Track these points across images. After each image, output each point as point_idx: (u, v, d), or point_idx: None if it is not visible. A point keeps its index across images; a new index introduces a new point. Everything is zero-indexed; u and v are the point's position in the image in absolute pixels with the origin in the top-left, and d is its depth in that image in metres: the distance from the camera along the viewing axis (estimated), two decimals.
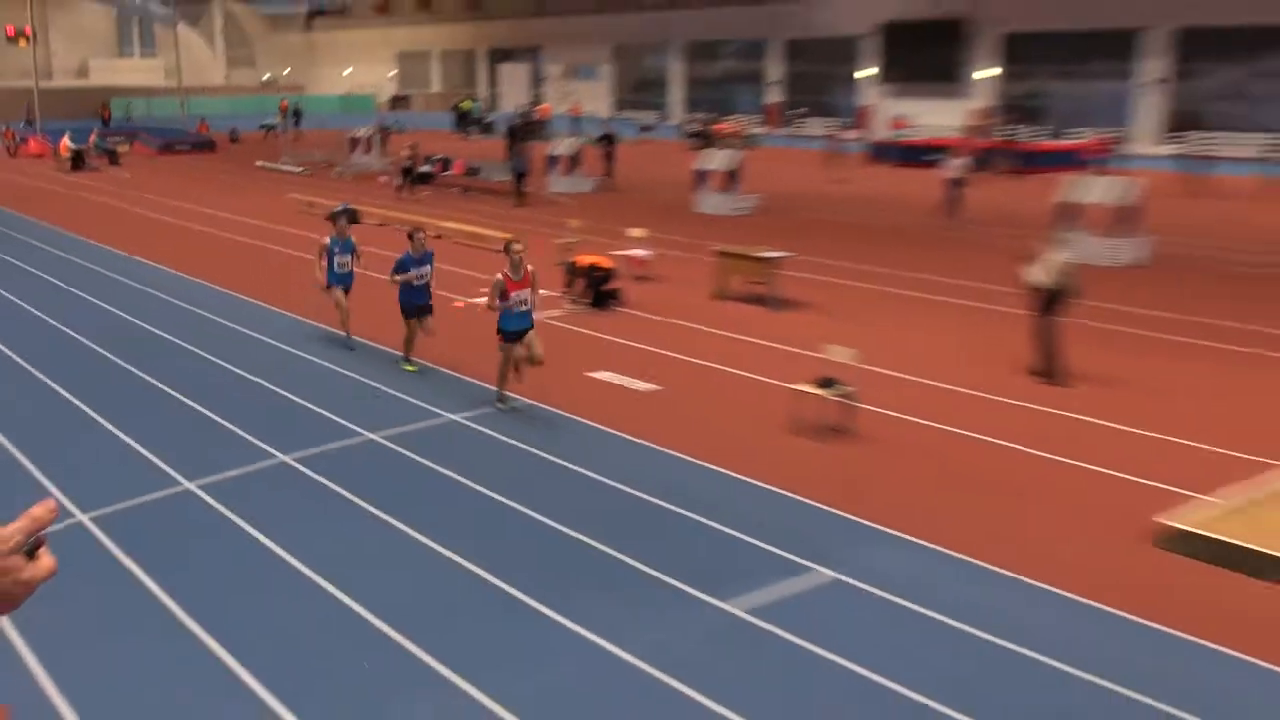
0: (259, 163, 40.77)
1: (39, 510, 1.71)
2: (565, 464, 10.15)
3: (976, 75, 48.61)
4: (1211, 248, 21.92)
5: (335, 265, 14.10)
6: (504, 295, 11.22)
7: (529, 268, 11.47)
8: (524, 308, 11.41)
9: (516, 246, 11.49)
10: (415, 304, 13.05)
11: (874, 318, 15.90)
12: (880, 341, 13.81)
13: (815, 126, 52.50)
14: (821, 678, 6.62)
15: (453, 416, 11.52)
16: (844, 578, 7.82)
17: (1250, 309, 16.40)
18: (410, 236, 13.20)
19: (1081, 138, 40.66)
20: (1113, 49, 44.92)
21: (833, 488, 9.36)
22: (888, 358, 13.14)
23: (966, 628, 7.15)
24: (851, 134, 44.77)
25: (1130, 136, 42.66)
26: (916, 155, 38.70)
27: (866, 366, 11.64)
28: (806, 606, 7.46)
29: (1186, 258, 20.77)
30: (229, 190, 33.00)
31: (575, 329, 15.41)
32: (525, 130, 41.54)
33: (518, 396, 11.87)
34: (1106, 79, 45.62)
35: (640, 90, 65.16)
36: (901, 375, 12.78)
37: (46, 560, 1.71)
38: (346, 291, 14.27)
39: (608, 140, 34.28)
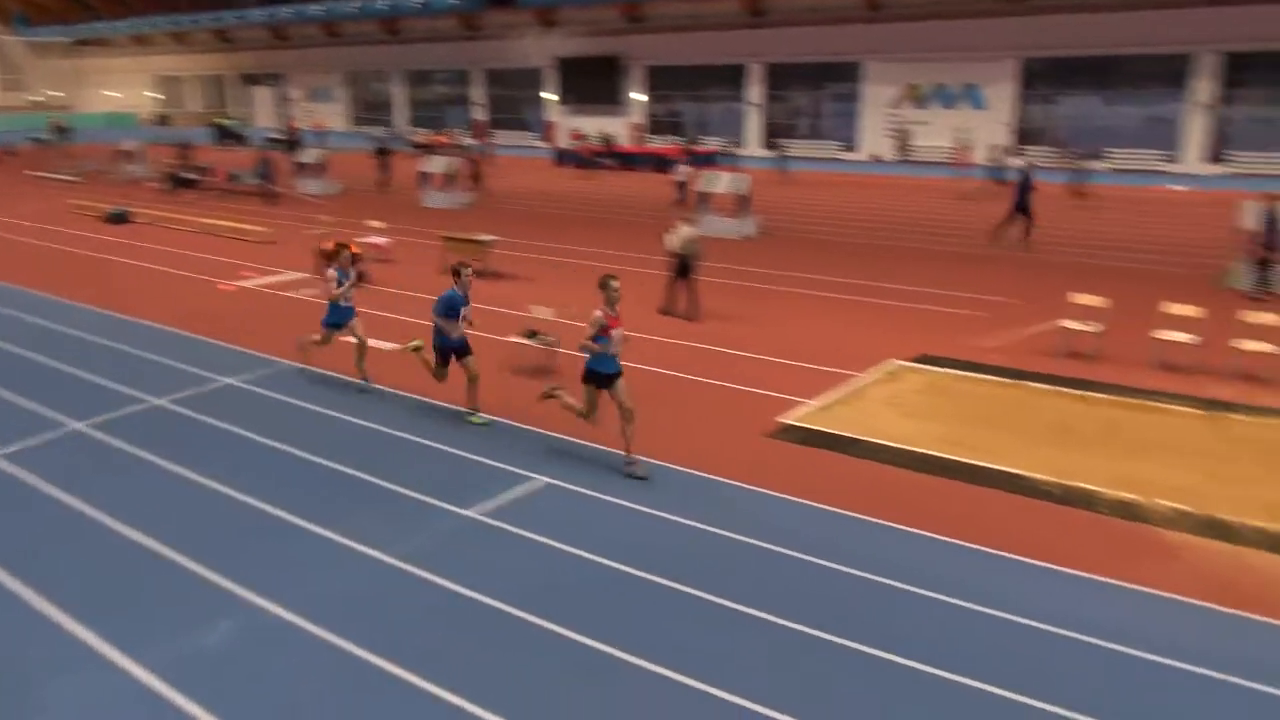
0: (34, 172, 36.01)
1: None
2: (325, 411, 9.70)
3: (632, 97, 49.61)
4: (796, 223, 23.54)
5: (340, 300, 10.35)
6: (603, 332, 8.07)
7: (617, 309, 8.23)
8: (618, 349, 8.24)
9: (614, 283, 8.17)
10: (456, 344, 9.40)
11: (565, 283, 16.06)
12: (570, 300, 13.95)
13: (511, 138, 52.10)
14: (543, 556, 6.72)
15: (229, 380, 10.73)
16: (555, 481, 7.94)
17: (829, 264, 17.79)
18: (456, 274, 9.33)
19: (709, 145, 42.38)
20: (727, 79, 47.00)
21: (543, 414, 9.43)
22: (576, 312, 13.31)
23: (641, 508, 7.45)
24: (542, 143, 44.60)
25: (742, 143, 44.94)
26: (590, 160, 39.31)
27: (564, 321, 11.77)
28: (528, 506, 7.52)
29: (782, 230, 22.20)
30: (4, 197, 28.98)
31: None
32: (284, 143, 38.92)
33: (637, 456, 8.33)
34: (724, 101, 47.70)
35: (372, 110, 62.22)
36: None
37: None
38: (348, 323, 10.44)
39: (383, 152, 32.34)
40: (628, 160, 39.10)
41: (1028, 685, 5.26)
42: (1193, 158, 36.26)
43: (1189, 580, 6.41)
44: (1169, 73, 36.27)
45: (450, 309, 9.26)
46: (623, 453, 8.16)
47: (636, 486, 7.83)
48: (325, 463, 8.35)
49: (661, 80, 49.24)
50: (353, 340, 10.50)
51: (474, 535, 7.05)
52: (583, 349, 8.14)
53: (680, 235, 13.71)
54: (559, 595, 6.19)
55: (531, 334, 11.10)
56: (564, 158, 41.35)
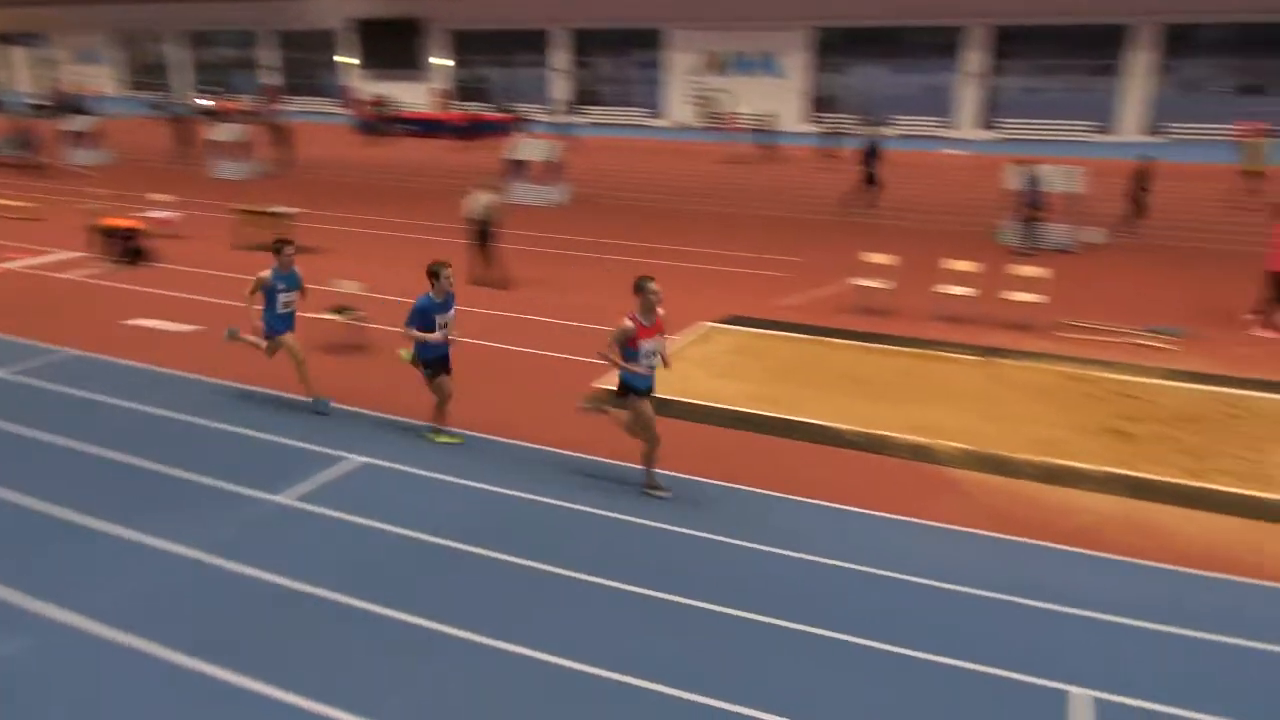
0: None
1: None
2: (112, 401, 8.96)
3: (434, 62, 48.18)
4: (606, 189, 23.70)
5: (278, 305, 8.52)
6: (630, 344, 6.99)
7: (661, 311, 7.13)
8: (655, 360, 7.15)
9: (653, 285, 6.99)
10: (441, 356, 7.98)
11: (373, 256, 15.51)
12: (380, 274, 13.50)
13: (308, 104, 49.50)
14: (361, 536, 6.52)
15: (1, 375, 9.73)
16: (370, 460, 7.70)
17: (638, 230, 18.04)
18: (435, 275, 7.76)
19: (515, 112, 41.81)
20: (533, 44, 46.47)
21: (354, 391, 9.11)
22: (387, 286, 12.89)
23: (463, 481, 7.36)
24: (341, 109, 42.57)
25: (550, 110, 44.62)
26: (379, 126, 38.14)
27: (373, 294, 11.37)
28: (342, 487, 7.27)
29: (593, 197, 22.30)
30: None
31: (112, 285, 13.54)
32: (50, 109, 35.28)
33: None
34: (531, 67, 47.16)
35: (149, 73, 57.37)
36: (399, 298, 12.61)
37: None
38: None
39: (179, 119, 29.51)
40: (431, 127, 38.03)
41: (829, 620, 5.60)
42: (967, 124, 39.11)
43: (973, 512, 7.00)
44: (945, 44, 38.88)
45: (424, 319, 7.71)
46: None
47: (457, 460, 7.71)
48: (116, 456, 7.72)
49: (467, 45, 48.11)
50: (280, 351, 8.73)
51: (286, 521, 6.75)
52: (603, 358, 7.15)
53: (480, 201, 13.59)
54: (380, 575, 6.03)
55: (341, 309, 10.66)
56: (365, 125, 39.79)
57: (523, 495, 7.14)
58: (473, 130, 36.81)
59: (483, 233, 13.60)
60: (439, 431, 8.15)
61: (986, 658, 5.29)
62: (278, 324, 8.60)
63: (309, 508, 6.90)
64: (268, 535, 6.54)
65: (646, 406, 7.11)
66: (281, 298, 8.53)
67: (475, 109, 42.69)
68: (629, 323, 6.97)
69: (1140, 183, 18.28)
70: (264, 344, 8.74)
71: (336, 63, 50.65)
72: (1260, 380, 9.98)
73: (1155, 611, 5.76)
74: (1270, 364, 10.62)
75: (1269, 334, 11.79)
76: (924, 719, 4.84)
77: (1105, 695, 4.97)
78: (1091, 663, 5.27)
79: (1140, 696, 4.98)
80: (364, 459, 7.71)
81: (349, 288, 11.07)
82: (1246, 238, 17.15)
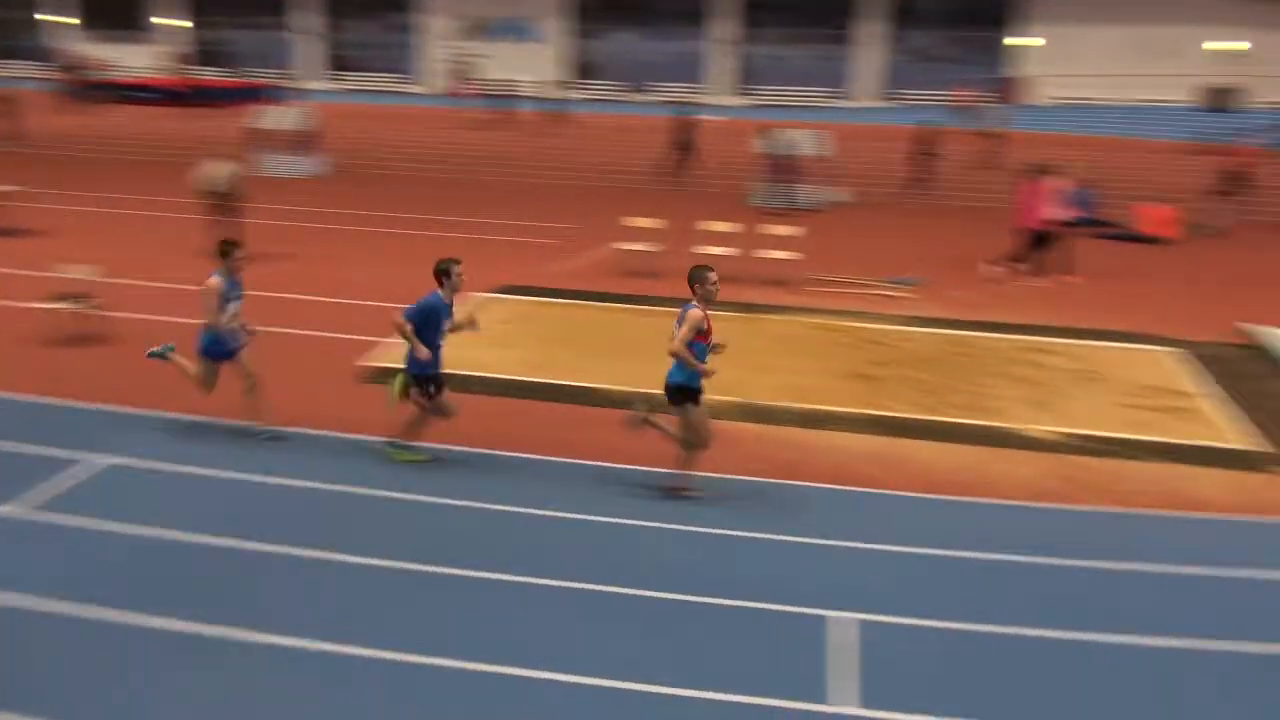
0: None
1: None
2: None
3: (163, 23, 44.11)
4: (366, 159, 22.81)
5: (225, 319, 7.20)
6: (701, 337, 6.27)
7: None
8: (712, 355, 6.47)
9: (712, 276, 6.28)
10: (434, 370, 7.00)
11: (104, 237, 14.13)
12: (114, 257, 12.31)
13: (17, 69, 43.95)
14: (118, 546, 5.97)
15: None
16: (118, 460, 7.07)
17: (402, 201, 17.52)
18: (445, 274, 6.80)
19: (256, 78, 39.15)
20: (276, 6, 43.60)
21: (91, 387, 8.30)
22: (124, 269, 11.80)
23: (229, 474, 6.91)
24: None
25: (299, 76, 42.17)
26: (117, 94, 34.73)
27: (109, 280, 10.37)
28: (87, 492, 6.63)
29: (351, 167, 21.40)
30: None
31: None
32: None
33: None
34: (277, 30, 44.27)
35: None
36: (141, 282, 11.61)
37: None
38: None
39: None
40: (157, 94, 34.83)
41: (596, 574, 5.76)
42: (720, 91, 40.69)
43: (739, 460, 7.40)
44: (696, 12, 40.17)
45: (430, 320, 6.78)
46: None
47: (215, 453, 7.22)
48: None
49: (202, 6, 44.45)
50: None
51: (22, 535, 6.05)
52: (675, 355, 6.28)
53: (220, 173, 12.69)
54: (144, 583, 5.54)
55: (71, 297, 9.65)
56: (77, 92, 35.86)
57: (296, 484, 6.81)
58: (206, 97, 34.20)
59: (222, 206, 12.70)
60: (404, 449, 7.18)
61: (745, 594, 5.60)
62: (224, 346, 7.32)
63: (47, 518, 6.24)
64: (2, 553, 5.87)
65: (704, 410, 6.54)
66: (230, 308, 7.26)
67: (214, 74, 39.63)
68: (699, 311, 6.21)
69: (924, 147, 19.93)
70: (194, 369, 7.41)
71: (41, 21, 45.23)
72: (981, 321, 11.17)
73: (905, 536, 6.36)
74: (989, 306, 11.90)
75: (992, 272, 13.20)
76: (688, 659, 5.06)
77: (866, 616, 5.41)
78: (849, 588, 5.74)
79: (898, 614, 5.46)
80: (109, 460, 7.06)
81: (79, 273, 10.03)
82: (983, 194, 19.06)
